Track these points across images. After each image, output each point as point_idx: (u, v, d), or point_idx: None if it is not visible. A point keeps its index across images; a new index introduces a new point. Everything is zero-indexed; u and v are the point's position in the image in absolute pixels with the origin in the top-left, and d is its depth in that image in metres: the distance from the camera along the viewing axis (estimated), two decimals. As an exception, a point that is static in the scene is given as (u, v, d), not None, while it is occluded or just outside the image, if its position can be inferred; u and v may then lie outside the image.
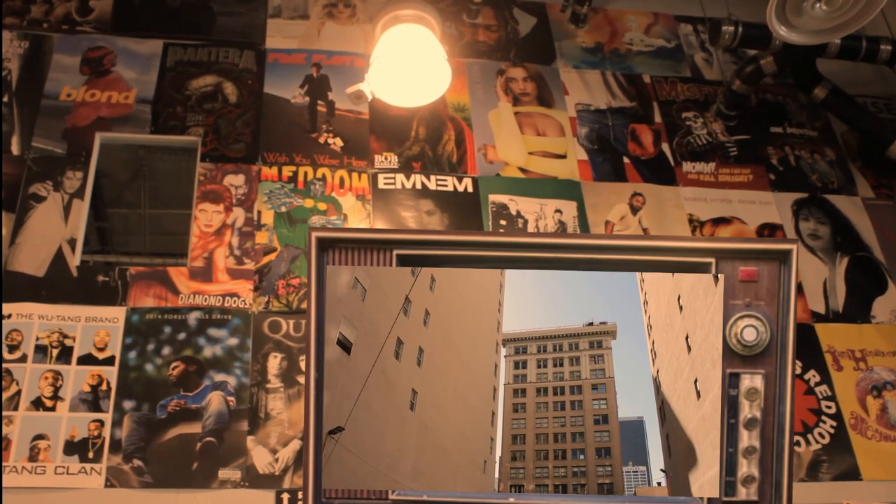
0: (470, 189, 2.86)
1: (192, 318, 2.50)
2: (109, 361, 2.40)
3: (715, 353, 1.38)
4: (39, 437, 2.27)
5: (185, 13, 3.06)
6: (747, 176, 3.09)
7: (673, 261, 1.40)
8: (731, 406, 1.37)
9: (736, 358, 1.38)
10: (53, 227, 2.57)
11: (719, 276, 1.39)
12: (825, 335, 2.81)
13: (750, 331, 1.36)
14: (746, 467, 1.36)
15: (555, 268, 1.39)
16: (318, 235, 1.37)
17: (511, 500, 1.39)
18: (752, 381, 1.37)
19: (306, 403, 1.35)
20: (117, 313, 2.47)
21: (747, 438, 1.36)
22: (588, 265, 1.40)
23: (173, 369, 2.42)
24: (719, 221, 2.96)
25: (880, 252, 3.01)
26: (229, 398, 2.40)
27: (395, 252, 1.39)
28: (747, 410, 1.36)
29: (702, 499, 1.38)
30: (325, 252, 1.38)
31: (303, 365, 2.46)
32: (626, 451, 1.51)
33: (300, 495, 2.28)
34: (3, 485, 2.20)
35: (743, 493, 1.36)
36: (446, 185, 2.86)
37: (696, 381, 1.41)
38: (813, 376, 2.72)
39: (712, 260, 1.39)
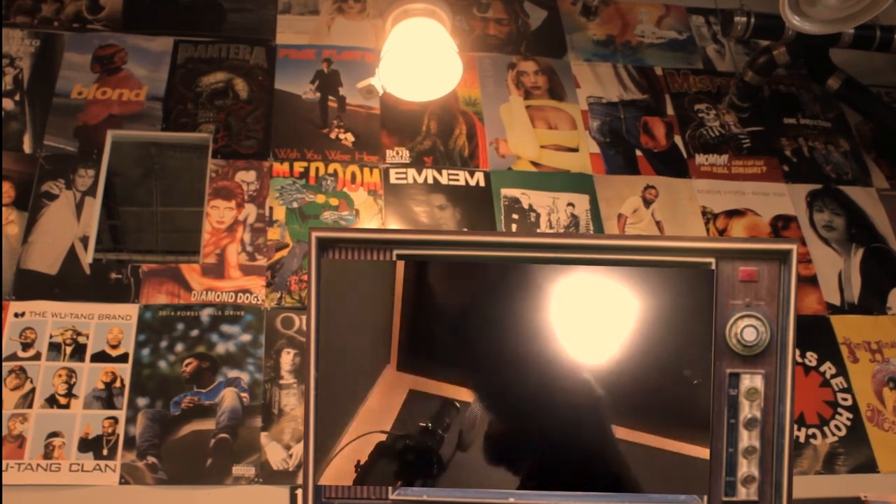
0: (482, 183, 2.86)
1: (205, 314, 2.51)
2: (123, 359, 2.41)
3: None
4: (54, 434, 2.28)
5: (196, 10, 3.06)
6: (761, 168, 3.08)
7: (673, 261, 1.39)
8: (731, 406, 1.37)
9: (736, 358, 1.38)
10: (66, 226, 2.58)
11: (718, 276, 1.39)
12: (841, 327, 2.79)
13: (750, 331, 1.35)
14: (746, 467, 1.36)
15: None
16: (318, 235, 1.37)
17: (511, 500, 1.39)
18: (752, 381, 1.37)
19: (306, 403, 1.36)
20: (130, 310, 2.48)
21: (747, 438, 1.36)
22: (588, 265, 1.39)
23: (186, 366, 2.43)
24: (733, 213, 2.95)
25: (896, 243, 3.00)
26: (243, 394, 2.40)
27: (396, 252, 1.39)
28: (747, 410, 1.36)
29: (701, 498, 1.38)
30: (325, 252, 1.38)
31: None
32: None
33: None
34: (19, 483, 2.22)
35: (743, 493, 1.36)
36: (458, 180, 2.86)
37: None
38: (829, 368, 2.71)
39: (712, 260, 1.38)
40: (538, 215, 2.82)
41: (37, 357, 2.37)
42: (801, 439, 2.58)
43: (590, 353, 1.41)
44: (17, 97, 2.76)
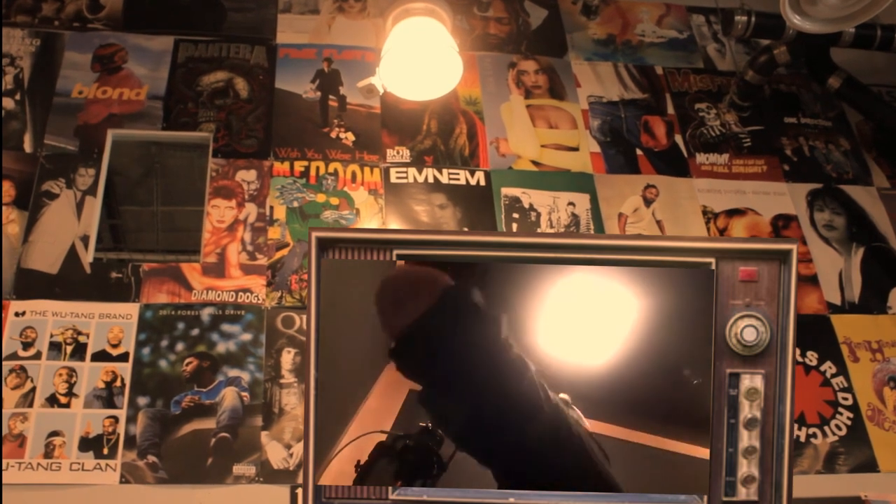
0: (482, 182, 2.86)
1: (206, 313, 2.51)
2: (123, 358, 2.41)
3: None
4: (54, 433, 2.28)
5: (196, 9, 3.06)
6: (761, 167, 3.08)
7: (673, 261, 1.39)
8: (731, 406, 1.37)
9: (736, 358, 1.38)
10: (66, 225, 2.58)
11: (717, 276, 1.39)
12: (841, 326, 2.79)
13: (750, 331, 1.35)
14: (746, 467, 1.36)
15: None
16: (317, 235, 1.37)
17: (511, 500, 1.39)
18: (752, 381, 1.37)
19: (306, 403, 1.36)
20: (131, 310, 2.48)
21: (747, 438, 1.36)
22: (588, 265, 1.39)
23: (187, 365, 2.43)
24: (733, 213, 2.95)
25: (896, 242, 3.00)
26: (243, 394, 2.40)
27: (396, 252, 1.39)
28: (747, 410, 1.36)
29: (701, 498, 1.38)
30: (325, 252, 1.39)
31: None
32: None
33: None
34: (20, 482, 2.22)
35: (743, 493, 1.36)
36: (458, 179, 2.86)
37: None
38: (829, 368, 2.71)
39: (712, 260, 1.38)
40: (539, 215, 2.82)
41: (37, 356, 2.37)
42: (802, 439, 2.58)
43: (590, 353, 1.41)
44: (17, 96, 2.76)
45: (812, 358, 2.71)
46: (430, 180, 2.83)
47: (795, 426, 2.58)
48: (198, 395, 2.39)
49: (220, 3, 3.08)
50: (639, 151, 3.03)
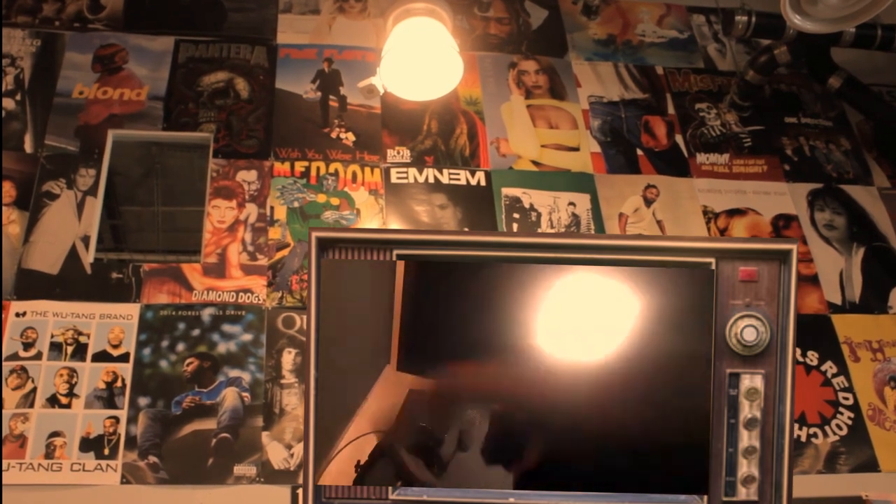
0: (483, 183, 2.86)
1: (206, 314, 2.51)
2: (124, 358, 2.41)
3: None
4: (55, 434, 2.28)
5: (197, 9, 3.06)
6: (762, 167, 3.08)
7: (673, 261, 1.39)
8: (731, 406, 1.37)
9: (736, 358, 1.38)
10: (67, 225, 2.58)
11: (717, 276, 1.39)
12: (842, 326, 2.79)
13: (750, 331, 1.35)
14: (746, 467, 1.36)
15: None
16: (317, 235, 1.37)
17: (511, 500, 1.39)
18: (752, 381, 1.37)
19: (306, 403, 1.36)
20: (131, 310, 2.48)
21: (747, 438, 1.36)
22: (588, 265, 1.39)
23: (188, 365, 2.43)
24: (734, 213, 2.95)
25: (897, 242, 3.00)
26: (244, 394, 2.40)
27: (396, 252, 1.39)
28: (747, 410, 1.36)
29: (701, 498, 1.39)
30: (326, 252, 1.39)
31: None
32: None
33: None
34: (21, 482, 2.22)
35: (743, 493, 1.36)
36: (459, 179, 2.86)
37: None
38: (830, 367, 2.71)
39: (712, 260, 1.38)
40: (539, 215, 2.82)
41: (38, 357, 2.38)
42: (803, 439, 2.58)
43: (590, 353, 1.41)
44: (18, 97, 2.77)
45: (813, 358, 2.71)
46: (431, 180, 2.83)
47: (796, 426, 2.58)
48: (198, 395, 2.39)
49: (221, 3, 3.09)
50: (639, 151, 3.03)
